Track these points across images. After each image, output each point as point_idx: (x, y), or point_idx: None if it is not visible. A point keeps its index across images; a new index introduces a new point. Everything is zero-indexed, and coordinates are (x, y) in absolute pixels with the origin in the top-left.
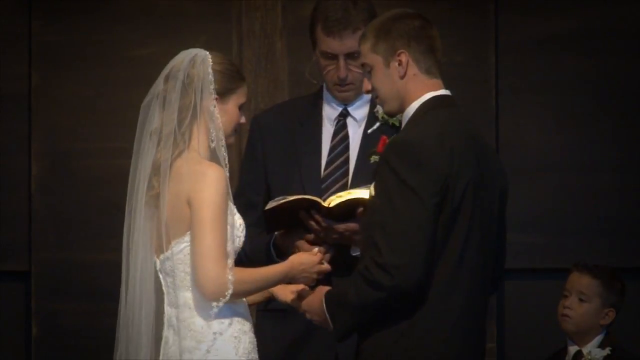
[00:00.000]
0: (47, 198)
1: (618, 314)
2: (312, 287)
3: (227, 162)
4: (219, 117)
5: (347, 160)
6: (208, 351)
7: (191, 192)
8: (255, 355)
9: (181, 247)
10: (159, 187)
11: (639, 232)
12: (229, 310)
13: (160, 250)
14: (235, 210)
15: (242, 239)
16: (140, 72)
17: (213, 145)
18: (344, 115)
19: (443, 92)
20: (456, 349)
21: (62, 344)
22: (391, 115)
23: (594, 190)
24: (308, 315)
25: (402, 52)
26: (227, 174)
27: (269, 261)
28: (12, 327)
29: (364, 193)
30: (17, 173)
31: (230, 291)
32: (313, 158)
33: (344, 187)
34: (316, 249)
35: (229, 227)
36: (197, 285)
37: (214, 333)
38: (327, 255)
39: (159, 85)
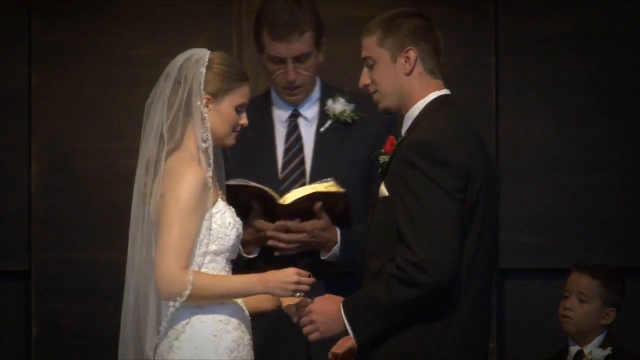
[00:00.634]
0: (47, 198)
1: (619, 313)
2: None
3: (211, 163)
4: (207, 117)
5: (302, 161)
6: (179, 348)
7: (165, 190)
8: (244, 354)
9: None
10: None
11: (639, 232)
12: (203, 309)
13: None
14: (223, 211)
15: (233, 237)
16: (140, 72)
17: (206, 145)
18: (295, 115)
19: (446, 92)
20: (472, 343)
21: (62, 344)
22: (388, 112)
23: (594, 190)
24: (311, 327)
25: (410, 49)
26: (210, 175)
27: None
28: (12, 327)
29: (318, 187)
30: (17, 173)
31: (187, 292)
32: (269, 161)
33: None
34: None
35: (204, 228)
36: (155, 282)
37: (182, 329)
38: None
39: (159, 84)
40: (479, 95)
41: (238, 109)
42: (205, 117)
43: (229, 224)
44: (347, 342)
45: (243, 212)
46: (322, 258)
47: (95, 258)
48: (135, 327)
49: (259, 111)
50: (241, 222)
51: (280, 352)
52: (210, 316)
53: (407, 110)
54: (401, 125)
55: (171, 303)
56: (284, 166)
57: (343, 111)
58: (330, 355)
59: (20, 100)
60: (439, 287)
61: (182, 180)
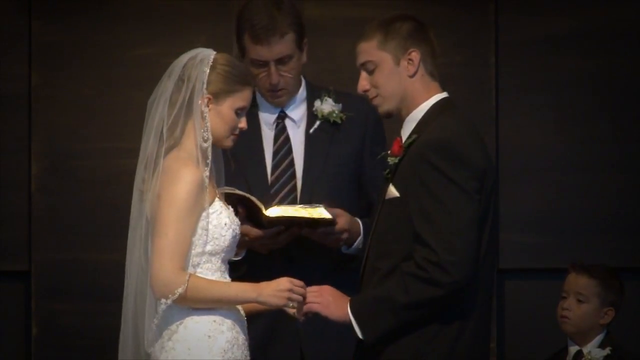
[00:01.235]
0: (47, 198)
1: (618, 312)
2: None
3: (209, 163)
4: (207, 117)
5: (292, 163)
6: (173, 348)
7: (161, 189)
8: (238, 355)
9: None
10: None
11: (639, 232)
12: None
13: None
14: (219, 211)
15: (229, 238)
16: (140, 72)
17: (206, 145)
18: (282, 117)
19: (445, 94)
20: (483, 344)
21: (62, 344)
22: (388, 116)
23: (594, 190)
24: (315, 299)
25: (413, 51)
26: (207, 174)
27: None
28: (12, 327)
29: (307, 212)
30: (17, 173)
31: (180, 290)
32: (258, 165)
33: (292, 190)
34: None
35: (199, 229)
36: (150, 282)
37: (175, 330)
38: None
39: (162, 81)
40: (479, 95)
41: (238, 112)
42: (206, 116)
43: (225, 224)
44: None
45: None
46: (345, 251)
47: (95, 258)
48: (134, 323)
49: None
50: (238, 223)
51: (273, 349)
52: (204, 317)
53: (408, 112)
54: (393, 125)
55: (163, 300)
56: (274, 168)
57: (331, 112)
58: None
59: (20, 100)
60: (458, 288)
61: (179, 180)
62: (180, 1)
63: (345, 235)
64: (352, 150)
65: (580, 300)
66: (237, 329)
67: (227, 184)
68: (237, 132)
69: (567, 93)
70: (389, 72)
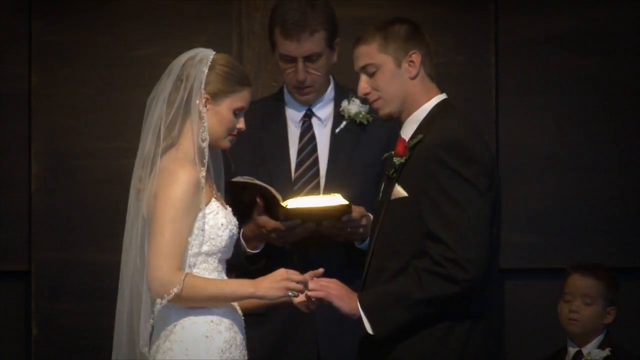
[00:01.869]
0: (47, 198)
1: (617, 312)
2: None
3: (205, 163)
4: (205, 117)
5: (316, 161)
6: (171, 349)
7: (158, 190)
8: (236, 355)
9: None
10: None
11: (639, 232)
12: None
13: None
14: (216, 211)
15: (225, 238)
16: (140, 72)
17: (204, 145)
18: (309, 115)
19: (444, 95)
20: (493, 342)
21: (62, 344)
22: (389, 118)
23: (594, 190)
24: (324, 287)
25: (414, 53)
26: (203, 174)
27: (239, 254)
28: (12, 327)
29: (324, 201)
30: (17, 173)
31: (175, 289)
32: (282, 161)
33: (315, 188)
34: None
35: (196, 229)
36: (147, 282)
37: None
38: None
39: (161, 81)
40: (479, 95)
41: (236, 113)
42: (204, 116)
43: (222, 224)
44: None
45: (248, 208)
46: (359, 246)
47: (95, 258)
48: (129, 323)
49: (271, 110)
50: (236, 223)
51: (289, 350)
52: (201, 317)
53: (409, 114)
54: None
55: (158, 300)
56: (298, 166)
57: (358, 112)
58: None
59: (20, 100)
60: (473, 285)
61: (175, 181)
62: (180, 1)
63: (364, 222)
64: (377, 151)
65: (587, 303)
66: (235, 328)
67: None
68: (234, 132)
69: (567, 93)
70: (391, 74)
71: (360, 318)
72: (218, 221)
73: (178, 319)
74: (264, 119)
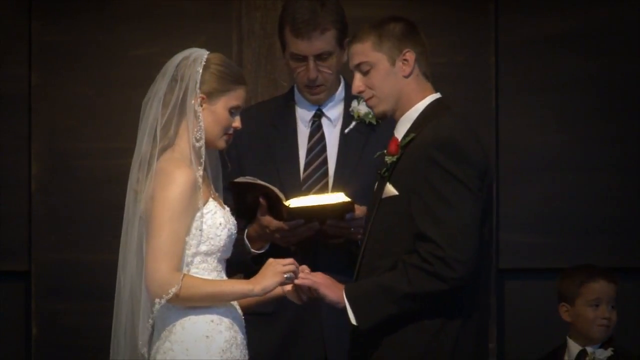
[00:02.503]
0: (47, 198)
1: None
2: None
3: (202, 163)
4: (201, 116)
5: (325, 161)
6: (171, 349)
7: (155, 191)
8: (237, 355)
9: None
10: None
11: (639, 232)
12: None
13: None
14: (214, 211)
15: (224, 238)
16: (140, 72)
17: (199, 144)
18: (319, 115)
19: (438, 95)
20: (483, 343)
21: (62, 344)
22: (384, 116)
23: (594, 190)
24: (311, 278)
25: (408, 51)
26: (200, 174)
27: (243, 254)
28: (12, 327)
29: (326, 199)
30: (17, 173)
31: (174, 289)
32: (291, 161)
33: (324, 188)
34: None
35: (194, 229)
36: (145, 283)
37: (173, 331)
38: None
39: (156, 81)
40: (479, 95)
41: (232, 111)
42: (199, 115)
43: (220, 224)
44: None
45: (251, 209)
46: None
47: (95, 258)
48: (128, 323)
49: (281, 110)
50: (234, 223)
51: (297, 349)
52: (201, 317)
53: (402, 113)
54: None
55: (157, 300)
56: (307, 165)
57: (367, 113)
58: None
59: (20, 100)
60: (461, 284)
61: (172, 181)
62: (180, 1)
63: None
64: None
65: (613, 307)
66: (236, 328)
67: (259, 176)
68: (230, 132)
69: (567, 93)
70: (385, 72)
71: (344, 308)
72: (216, 221)
73: (178, 319)
74: (274, 119)
